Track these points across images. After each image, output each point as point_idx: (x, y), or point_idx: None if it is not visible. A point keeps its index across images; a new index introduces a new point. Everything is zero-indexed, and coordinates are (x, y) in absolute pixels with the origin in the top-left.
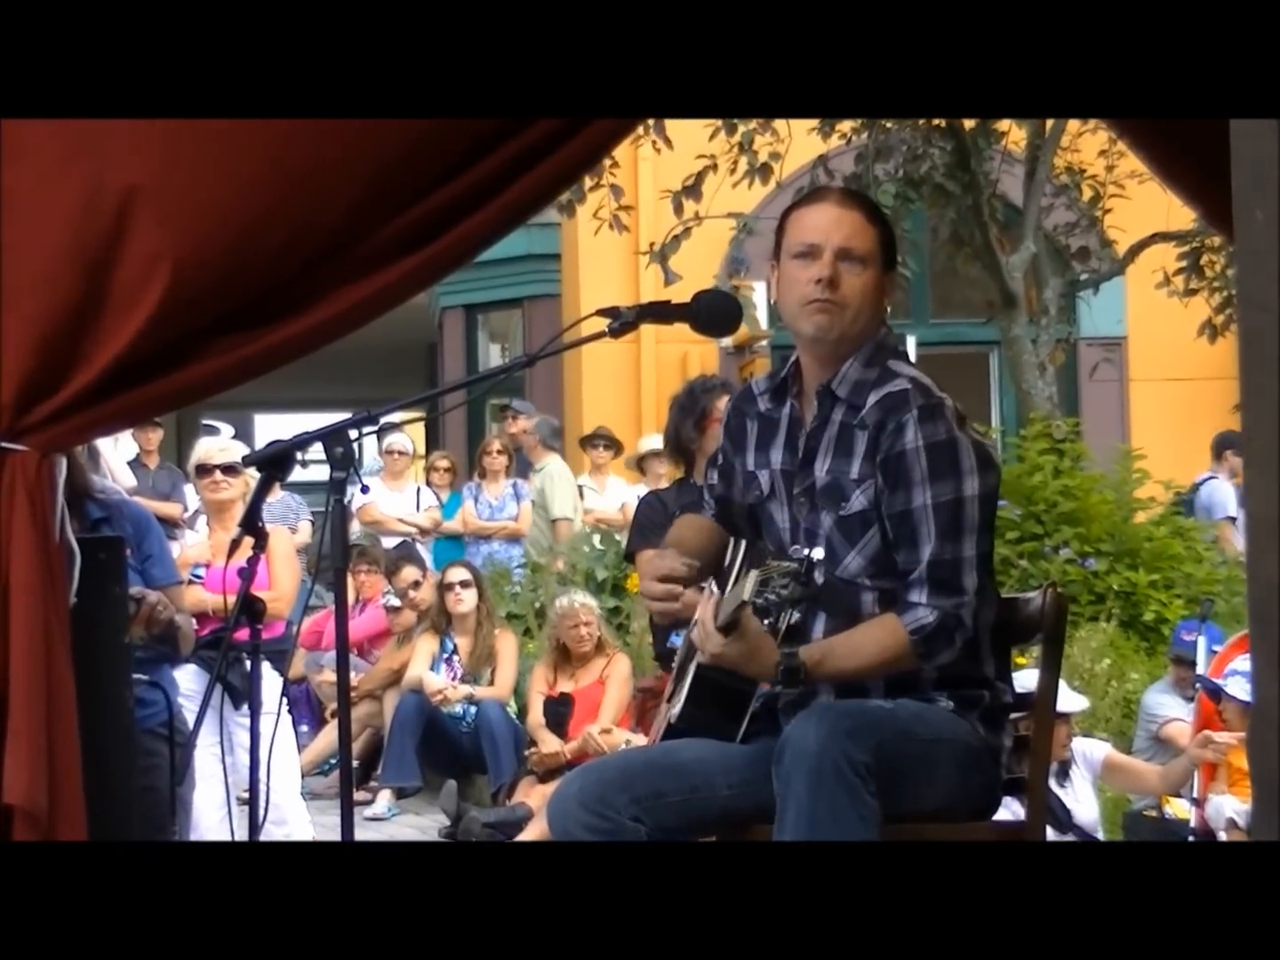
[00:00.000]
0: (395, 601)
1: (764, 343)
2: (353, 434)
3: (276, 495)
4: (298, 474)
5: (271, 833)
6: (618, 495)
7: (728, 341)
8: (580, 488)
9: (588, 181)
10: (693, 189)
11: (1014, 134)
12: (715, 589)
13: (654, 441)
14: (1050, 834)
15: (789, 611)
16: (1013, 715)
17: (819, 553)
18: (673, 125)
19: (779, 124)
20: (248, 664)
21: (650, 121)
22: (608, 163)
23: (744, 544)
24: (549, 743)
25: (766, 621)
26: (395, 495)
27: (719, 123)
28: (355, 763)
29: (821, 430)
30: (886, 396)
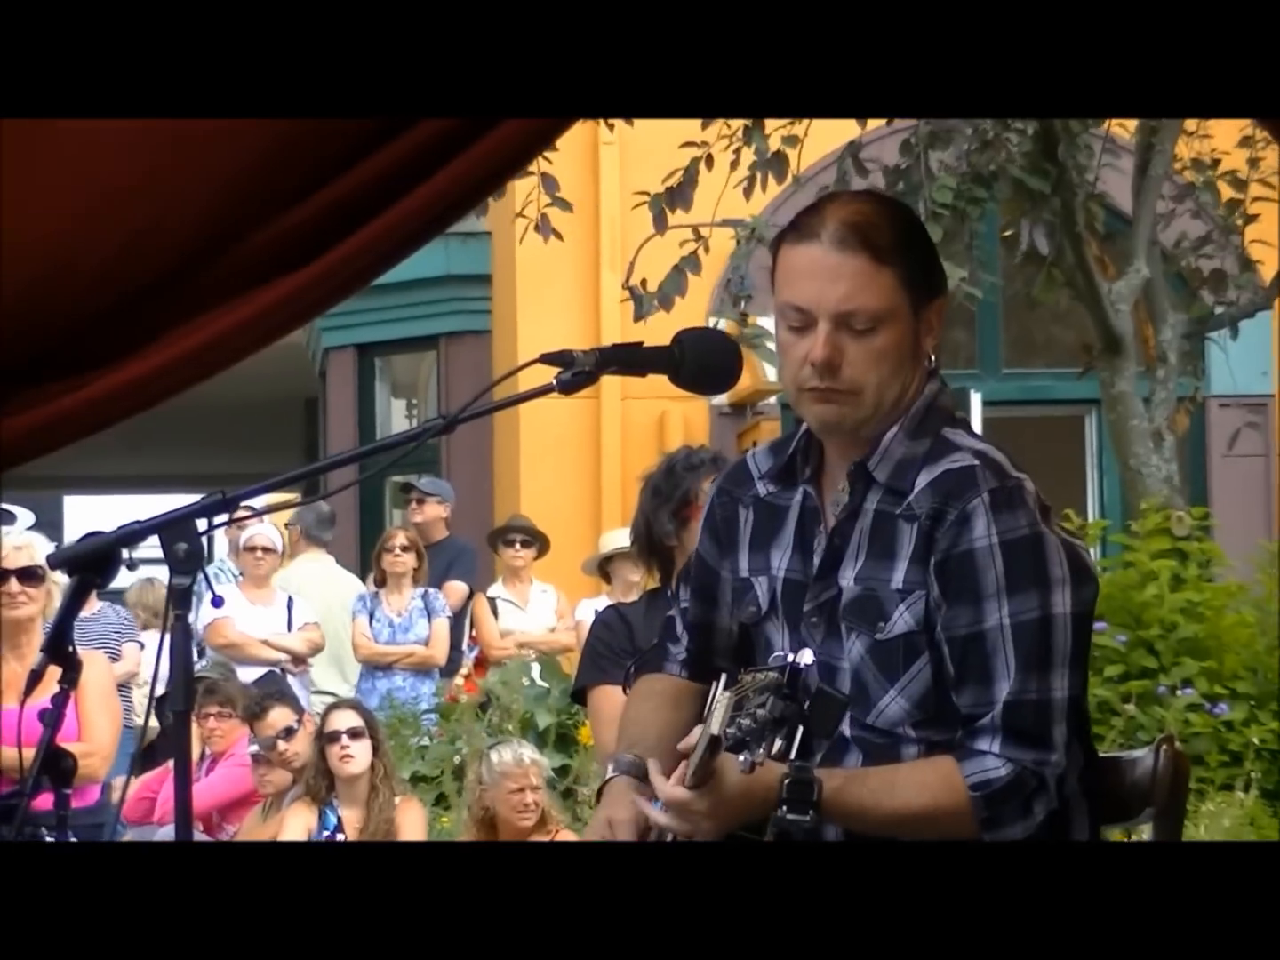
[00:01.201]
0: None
1: (772, 400)
2: (201, 524)
3: (93, 608)
4: (123, 578)
5: None
6: (546, 610)
7: (722, 399)
8: (493, 602)
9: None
10: (680, 191)
11: None
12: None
13: (622, 537)
14: None
15: (772, 737)
16: None
17: (806, 656)
18: None
19: None
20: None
21: None
22: None
23: (724, 677)
24: None
25: (743, 757)
26: (259, 609)
27: None
28: None
29: (851, 523)
30: (945, 476)
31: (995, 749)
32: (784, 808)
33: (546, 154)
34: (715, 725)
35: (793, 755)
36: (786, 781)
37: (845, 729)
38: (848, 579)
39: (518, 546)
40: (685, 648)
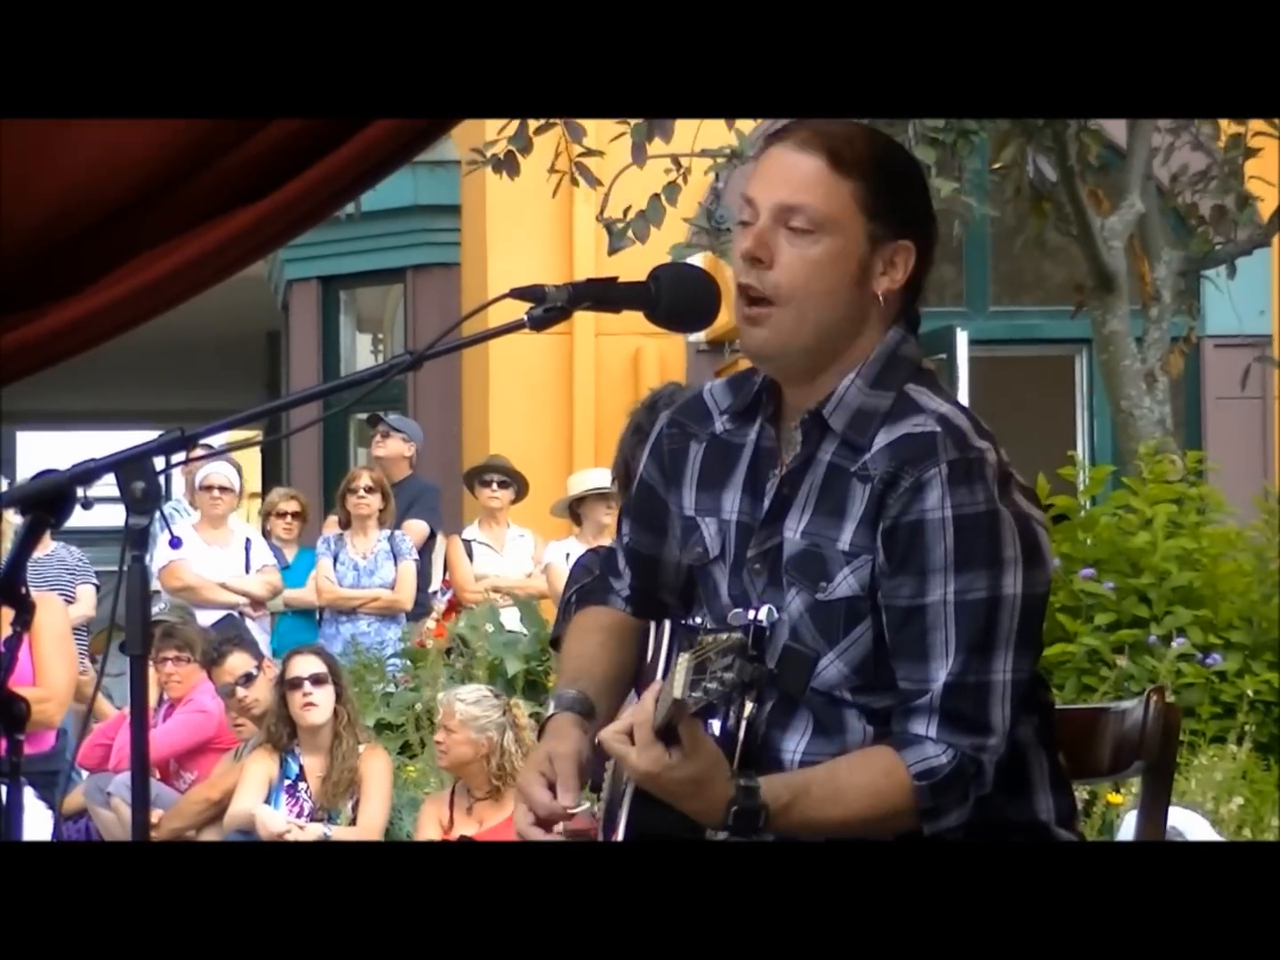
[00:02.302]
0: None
1: None
2: (159, 462)
3: (47, 549)
4: (78, 518)
5: None
6: (523, 554)
7: (700, 336)
8: (468, 544)
9: (531, 121)
10: (660, 120)
11: None
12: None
13: (594, 477)
14: None
15: (740, 701)
16: None
17: (768, 613)
18: None
19: None
20: (2, 791)
21: None
22: None
23: (666, 625)
24: None
25: (712, 722)
26: (216, 550)
27: None
28: None
29: (802, 472)
30: (905, 440)
31: (932, 733)
32: (729, 831)
33: None
34: (677, 689)
35: (746, 714)
36: (733, 808)
37: (773, 648)
38: (792, 530)
39: (494, 487)
40: (629, 584)
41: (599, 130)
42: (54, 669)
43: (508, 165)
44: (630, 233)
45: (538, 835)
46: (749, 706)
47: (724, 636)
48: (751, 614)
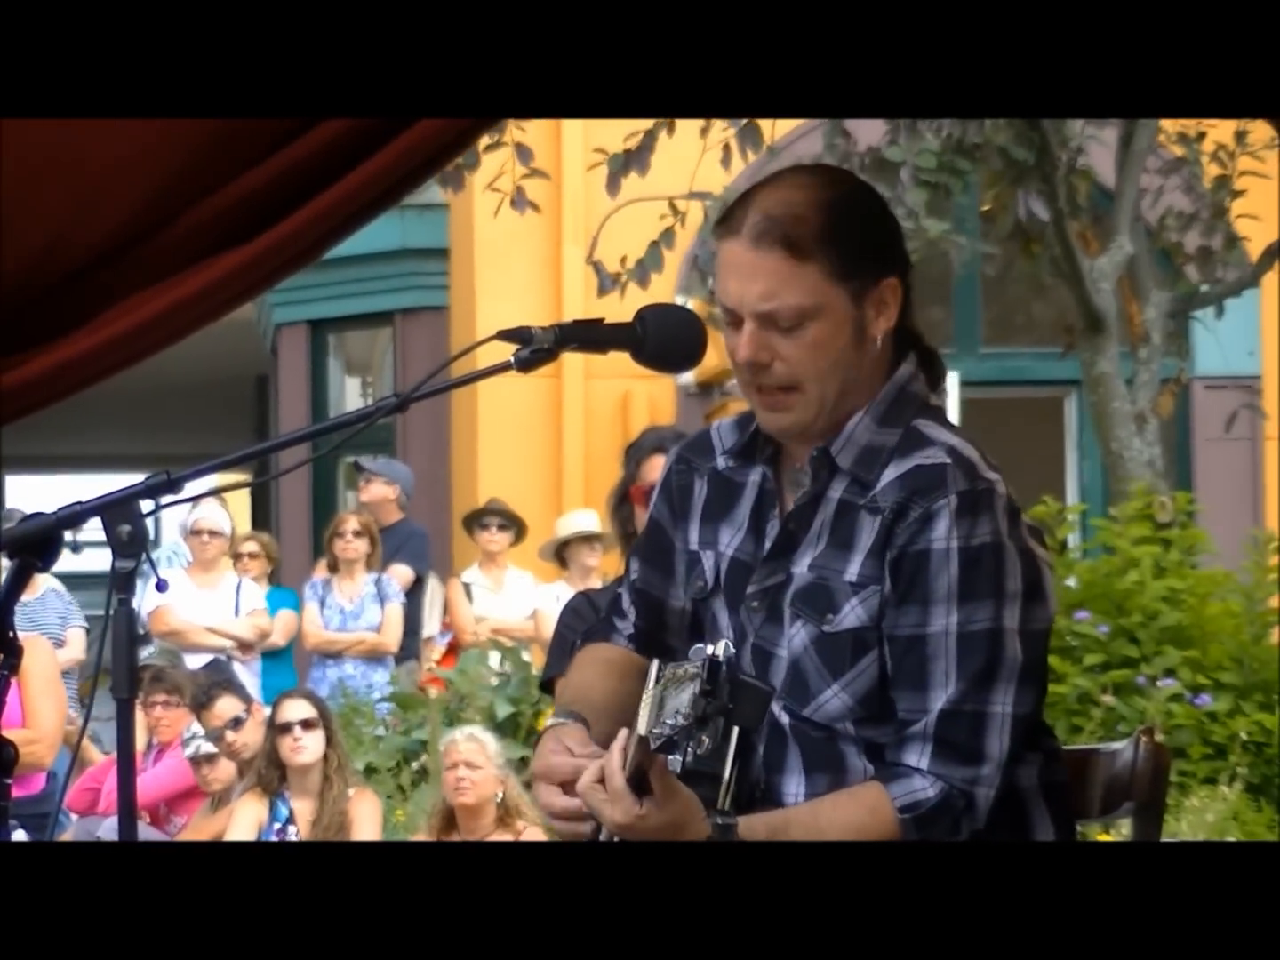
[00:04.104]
0: (207, 747)
1: None
2: (146, 505)
3: (35, 592)
4: (65, 562)
5: None
6: (522, 596)
7: (689, 379)
8: (467, 587)
9: (483, 139)
10: (638, 155)
11: None
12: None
13: (581, 520)
14: None
15: (699, 735)
16: None
17: (724, 647)
18: None
19: None
20: None
21: None
22: None
23: (654, 665)
24: None
25: (673, 758)
26: (205, 594)
27: None
28: None
29: (812, 509)
30: (915, 472)
31: (924, 764)
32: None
33: (520, 124)
34: (642, 725)
35: (730, 753)
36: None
37: (783, 719)
38: (801, 566)
39: (494, 530)
40: (633, 623)
41: (564, 152)
42: (43, 711)
43: (453, 180)
44: (633, 279)
45: (563, 808)
46: (705, 741)
47: (681, 671)
48: (709, 649)
